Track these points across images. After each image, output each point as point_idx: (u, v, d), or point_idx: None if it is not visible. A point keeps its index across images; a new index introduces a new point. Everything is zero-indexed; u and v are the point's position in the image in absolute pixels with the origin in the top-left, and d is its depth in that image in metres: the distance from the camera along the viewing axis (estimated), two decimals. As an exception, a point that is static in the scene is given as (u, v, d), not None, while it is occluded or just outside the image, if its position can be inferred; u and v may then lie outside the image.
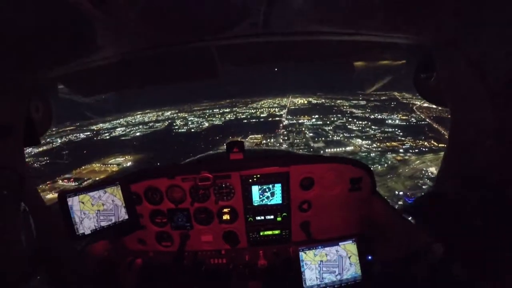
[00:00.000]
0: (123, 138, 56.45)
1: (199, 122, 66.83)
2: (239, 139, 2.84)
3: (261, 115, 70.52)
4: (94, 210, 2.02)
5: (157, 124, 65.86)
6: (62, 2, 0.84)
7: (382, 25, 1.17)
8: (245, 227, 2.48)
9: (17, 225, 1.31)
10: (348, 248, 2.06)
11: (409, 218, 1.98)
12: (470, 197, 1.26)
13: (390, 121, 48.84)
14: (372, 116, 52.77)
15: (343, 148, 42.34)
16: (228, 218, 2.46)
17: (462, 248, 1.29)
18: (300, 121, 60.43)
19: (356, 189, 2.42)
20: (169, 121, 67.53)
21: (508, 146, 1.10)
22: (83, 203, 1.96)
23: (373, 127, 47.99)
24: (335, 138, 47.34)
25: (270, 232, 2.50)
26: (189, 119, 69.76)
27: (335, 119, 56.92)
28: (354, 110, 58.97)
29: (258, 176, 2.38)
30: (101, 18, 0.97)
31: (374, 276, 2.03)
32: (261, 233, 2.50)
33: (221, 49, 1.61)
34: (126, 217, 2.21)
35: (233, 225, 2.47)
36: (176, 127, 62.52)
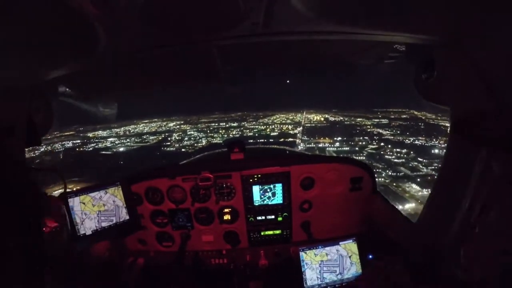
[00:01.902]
0: (103, 152, 48.25)
1: (197, 138, 57.46)
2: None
3: (271, 134, 57.47)
4: (95, 210, 2.02)
5: (151, 137, 58.14)
6: (63, 3, 0.84)
7: (382, 24, 1.17)
8: (246, 227, 2.48)
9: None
10: (349, 248, 2.06)
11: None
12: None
13: (436, 150, 33.36)
14: (408, 141, 38.94)
15: (400, 206, 21.78)
16: (229, 218, 2.46)
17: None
18: (321, 145, 46.61)
19: (356, 189, 2.42)
20: (167, 134, 60.26)
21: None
22: (84, 203, 1.96)
23: (420, 159, 32.52)
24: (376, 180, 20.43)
25: (271, 232, 2.50)
26: (189, 133, 60.51)
27: (363, 142, 43.98)
28: (380, 131, 46.82)
29: (259, 176, 2.38)
30: (102, 19, 0.97)
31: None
32: (262, 233, 2.50)
33: (221, 50, 1.61)
34: (127, 217, 2.21)
35: (234, 225, 2.48)
36: (168, 143, 54.34)
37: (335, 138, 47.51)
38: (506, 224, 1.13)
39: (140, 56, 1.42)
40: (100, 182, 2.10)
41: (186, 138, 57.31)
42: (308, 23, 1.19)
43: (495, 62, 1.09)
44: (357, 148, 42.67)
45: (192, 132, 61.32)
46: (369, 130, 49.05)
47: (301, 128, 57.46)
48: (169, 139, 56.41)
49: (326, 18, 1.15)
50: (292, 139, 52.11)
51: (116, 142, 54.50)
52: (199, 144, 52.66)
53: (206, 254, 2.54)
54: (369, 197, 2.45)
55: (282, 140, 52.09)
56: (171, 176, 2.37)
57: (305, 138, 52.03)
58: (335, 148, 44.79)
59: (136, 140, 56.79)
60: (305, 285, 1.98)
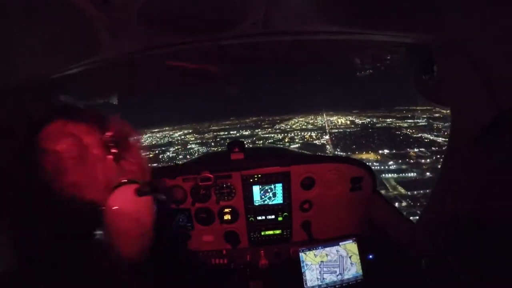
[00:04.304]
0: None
1: (195, 155, 43.10)
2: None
3: (292, 146, 41.71)
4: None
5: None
6: (63, 3, 0.85)
7: (383, 24, 1.17)
8: (246, 227, 2.49)
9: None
10: (349, 248, 2.07)
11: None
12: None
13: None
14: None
15: None
16: (229, 218, 2.46)
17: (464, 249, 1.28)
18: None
19: (357, 189, 2.42)
20: (163, 148, 49.61)
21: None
22: (84, 203, 1.94)
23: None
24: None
25: (271, 232, 2.50)
26: (189, 146, 49.42)
27: (427, 159, 28.83)
28: (430, 137, 33.58)
29: (259, 176, 2.38)
30: (102, 19, 0.97)
31: (375, 276, 2.03)
32: (262, 233, 2.50)
33: (221, 50, 1.61)
34: (127, 217, 2.21)
35: (234, 225, 2.48)
36: (155, 164, 36.18)
37: (380, 151, 32.12)
38: (507, 223, 1.12)
39: (141, 56, 1.42)
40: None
41: (181, 156, 45.61)
42: (308, 23, 1.19)
43: (495, 62, 1.08)
44: (429, 173, 26.64)
45: (193, 146, 50.78)
46: (414, 135, 36.29)
47: (327, 136, 43.70)
48: (160, 156, 46.35)
49: (326, 18, 1.15)
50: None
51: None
52: (192, 168, 41.52)
53: (206, 254, 2.54)
54: (370, 197, 2.44)
55: (308, 157, 37.63)
56: (171, 176, 2.37)
57: (339, 152, 36.56)
58: (394, 175, 26.57)
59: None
60: (305, 286, 1.98)
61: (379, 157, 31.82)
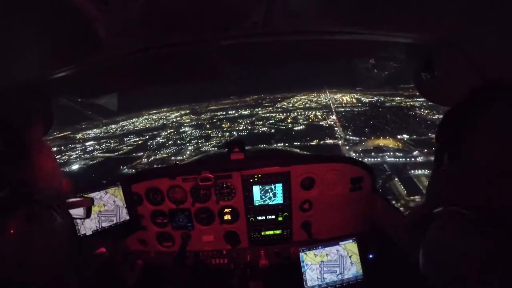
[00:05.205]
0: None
1: (185, 140, 40.52)
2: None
3: (296, 128, 36.54)
4: (96, 210, 2.02)
5: (131, 140, 42.35)
6: (63, 3, 0.85)
7: (383, 24, 1.17)
8: (246, 227, 2.49)
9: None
10: (349, 248, 2.07)
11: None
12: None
13: None
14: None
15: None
16: (229, 218, 2.47)
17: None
18: (389, 157, 23.91)
19: (357, 189, 2.42)
20: (155, 132, 44.78)
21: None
22: (84, 203, 1.87)
23: None
24: None
25: (271, 232, 2.50)
26: (182, 130, 45.83)
27: None
28: None
29: (259, 176, 2.38)
30: (102, 19, 0.97)
31: (375, 275, 2.03)
32: (262, 233, 2.50)
33: (221, 50, 1.61)
34: (127, 217, 2.21)
35: (234, 225, 2.48)
36: (140, 153, 37.40)
37: (399, 136, 26.58)
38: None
39: (141, 56, 1.42)
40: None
41: (170, 142, 41.29)
42: (308, 23, 1.19)
43: (495, 62, 1.09)
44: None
45: (187, 129, 46.59)
46: (430, 116, 30.54)
47: (334, 115, 37.72)
48: (149, 143, 41.88)
49: (326, 18, 1.15)
50: (331, 141, 30.25)
51: (88, 150, 41.31)
52: (178, 157, 35.82)
53: (206, 254, 2.54)
54: (370, 196, 2.44)
55: (315, 142, 30.52)
56: (171, 176, 2.37)
57: (351, 136, 30.56)
58: (425, 171, 20.04)
59: (112, 145, 42.18)
60: (305, 286, 1.98)
61: (399, 144, 25.78)
